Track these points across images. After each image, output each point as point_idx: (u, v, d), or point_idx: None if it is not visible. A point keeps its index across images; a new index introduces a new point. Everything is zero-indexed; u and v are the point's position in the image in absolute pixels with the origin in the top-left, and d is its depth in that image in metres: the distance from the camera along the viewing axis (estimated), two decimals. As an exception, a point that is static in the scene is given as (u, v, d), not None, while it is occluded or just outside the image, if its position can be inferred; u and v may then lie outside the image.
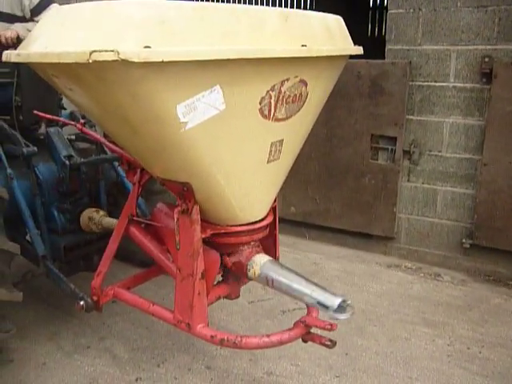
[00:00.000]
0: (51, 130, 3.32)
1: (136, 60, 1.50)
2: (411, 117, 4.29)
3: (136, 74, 1.58)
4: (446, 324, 3.47)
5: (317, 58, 2.08)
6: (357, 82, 4.39)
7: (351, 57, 2.42)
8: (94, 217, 3.18)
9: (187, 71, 1.68)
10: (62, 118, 3.37)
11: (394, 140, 4.36)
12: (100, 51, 1.49)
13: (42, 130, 3.27)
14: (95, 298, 2.56)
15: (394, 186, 4.43)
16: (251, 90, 1.92)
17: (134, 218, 2.55)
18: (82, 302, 2.50)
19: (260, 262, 2.32)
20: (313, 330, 2.32)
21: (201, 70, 1.70)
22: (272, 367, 2.99)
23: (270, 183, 2.29)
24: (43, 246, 2.91)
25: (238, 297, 2.60)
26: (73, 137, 3.50)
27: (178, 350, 3.15)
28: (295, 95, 2.13)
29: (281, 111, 2.10)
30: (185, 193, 2.12)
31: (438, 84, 4.12)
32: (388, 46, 4.29)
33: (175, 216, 2.15)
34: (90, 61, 1.49)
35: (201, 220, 2.29)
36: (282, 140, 2.22)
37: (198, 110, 1.79)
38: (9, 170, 3.01)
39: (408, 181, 4.42)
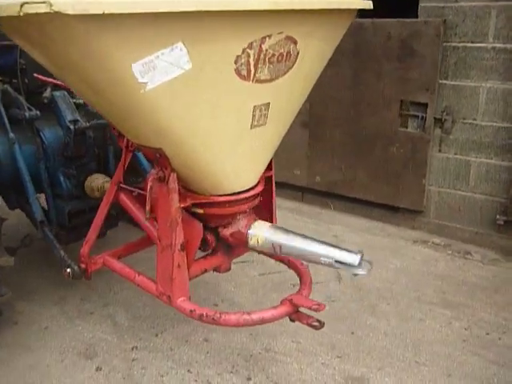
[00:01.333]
0: (57, 93, 3.24)
1: (71, 12, 1.35)
2: (444, 81, 3.94)
3: (78, 29, 1.44)
4: (466, 306, 3.22)
5: (306, 11, 1.86)
6: (386, 43, 4.06)
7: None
8: (97, 182, 3.11)
9: (141, 26, 1.52)
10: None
11: (424, 106, 4.03)
12: (31, 3, 1.35)
13: (47, 93, 3.21)
14: (83, 266, 2.51)
15: (423, 157, 4.13)
16: (223, 47, 1.73)
17: (122, 186, 2.45)
18: (68, 270, 2.46)
19: (262, 228, 2.18)
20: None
21: (157, 24, 1.53)
22: (271, 343, 2.88)
23: (256, 150, 2.12)
24: (41, 211, 2.87)
25: (228, 270, 2.48)
26: (81, 101, 3.43)
27: (178, 321, 3.08)
28: (281, 54, 1.93)
29: (263, 72, 1.91)
30: (159, 159, 1.99)
31: (475, 45, 3.75)
32: (421, 4, 3.92)
33: (148, 183, 2.02)
34: (21, 13, 1.36)
35: (184, 189, 2.17)
36: (268, 104, 2.03)
37: (158, 70, 1.63)
38: (11, 135, 2.97)
39: (439, 151, 4.10)
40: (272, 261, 3.77)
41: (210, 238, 2.25)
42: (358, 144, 4.46)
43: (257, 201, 2.29)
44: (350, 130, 4.48)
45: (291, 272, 3.62)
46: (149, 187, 2.00)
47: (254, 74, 1.88)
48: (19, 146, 2.99)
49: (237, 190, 2.18)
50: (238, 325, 2.11)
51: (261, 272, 3.67)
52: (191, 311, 2.15)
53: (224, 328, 3.00)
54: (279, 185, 5.26)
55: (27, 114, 2.96)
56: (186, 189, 2.20)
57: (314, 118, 4.69)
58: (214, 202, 2.15)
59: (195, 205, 2.18)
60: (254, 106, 1.97)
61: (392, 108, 4.18)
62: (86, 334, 2.98)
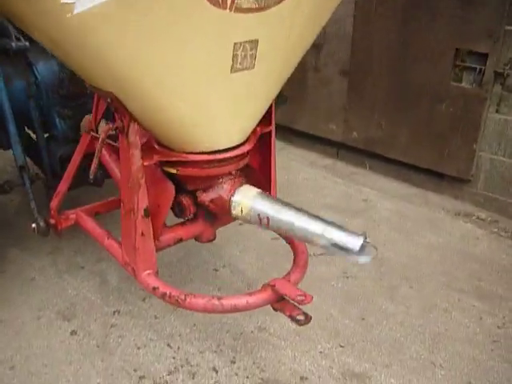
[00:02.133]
0: (53, 23, 2.88)
1: None
2: (511, 28, 3.27)
3: None
4: (504, 299, 2.74)
5: None
6: (444, -23, 3.40)
7: None
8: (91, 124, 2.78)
9: None
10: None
11: (484, 57, 3.39)
12: None
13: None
14: (52, 221, 2.22)
15: (477, 117, 3.52)
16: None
17: (92, 134, 2.10)
18: (33, 225, 2.17)
19: (248, 195, 1.79)
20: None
21: None
22: (267, 321, 2.54)
23: (240, 100, 1.69)
24: (22, 155, 2.59)
25: (212, 240, 2.12)
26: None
27: (173, 284, 2.78)
28: (273, -28, 1.46)
29: (247, -2, 1.45)
30: (115, 106, 1.61)
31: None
32: None
33: (101, 135, 1.65)
34: None
35: (158, 145, 1.79)
36: (256, 41, 1.58)
37: (85, -15, 1.22)
38: (-5, 67, 2.67)
39: (497, 111, 3.48)
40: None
41: (186, 202, 1.89)
42: (402, 98, 3.88)
43: (244, 161, 1.89)
44: (394, 81, 3.90)
45: (307, 239, 3.25)
46: (100, 139, 1.63)
47: (233, 0, 1.43)
48: (6, 80, 2.69)
49: (216, 148, 1.78)
50: (205, 311, 1.78)
51: (274, 236, 3.29)
52: (154, 288, 1.82)
53: (219, 298, 2.70)
54: (313, 139, 4.83)
55: (14, 44, 2.63)
56: (160, 144, 1.82)
57: (355, 66, 4.13)
58: (188, 160, 1.77)
59: (168, 163, 1.81)
60: (236, 44, 1.53)
61: (445, 57, 3.55)
62: (71, 291, 2.75)
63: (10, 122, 2.61)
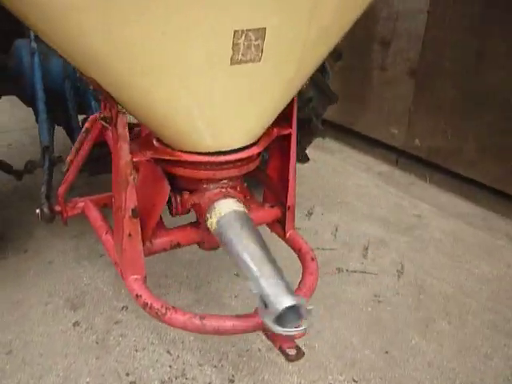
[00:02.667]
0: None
1: None
2: None
3: None
4: (561, 351, 2.33)
5: None
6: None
7: None
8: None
9: None
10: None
11: None
12: None
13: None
14: (58, 209, 2.11)
15: (558, 135, 3.07)
16: None
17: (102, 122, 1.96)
18: (37, 210, 2.07)
19: (223, 210, 1.59)
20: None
21: None
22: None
23: (242, 97, 1.47)
24: (48, 135, 2.51)
25: (216, 248, 1.92)
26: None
27: (187, 285, 2.64)
28: None
29: (248, -24, 1.23)
30: (102, 94, 1.44)
31: None
32: None
33: (86, 124, 1.50)
34: None
35: (157, 141, 1.62)
36: (263, 30, 1.35)
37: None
38: (33, 44, 2.62)
39: None
40: (328, 233, 3.16)
41: (174, 200, 1.71)
42: (472, 106, 3.47)
43: (243, 169, 1.67)
44: (465, 86, 3.49)
45: (343, 253, 2.98)
46: (84, 128, 1.48)
47: (230, -21, 1.21)
48: (43, 57, 2.64)
49: (217, 149, 1.57)
50: (185, 329, 1.58)
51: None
52: (137, 296, 1.65)
53: (234, 308, 2.51)
54: (372, 143, 4.48)
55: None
56: (160, 140, 1.65)
57: (423, 66, 3.75)
58: (178, 160, 1.57)
59: (163, 161, 1.63)
60: (236, 32, 1.31)
61: (527, 63, 3.11)
62: (85, 279, 2.67)
63: (40, 100, 2.55)
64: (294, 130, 1.82)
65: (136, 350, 2.23)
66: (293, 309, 1.35)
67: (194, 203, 1.68)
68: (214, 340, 2.29)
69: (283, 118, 1.81)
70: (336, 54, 2.98)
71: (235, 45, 1.33)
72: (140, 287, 1.67)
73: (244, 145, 1.60)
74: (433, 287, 2.72)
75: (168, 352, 2.23)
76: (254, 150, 1.63)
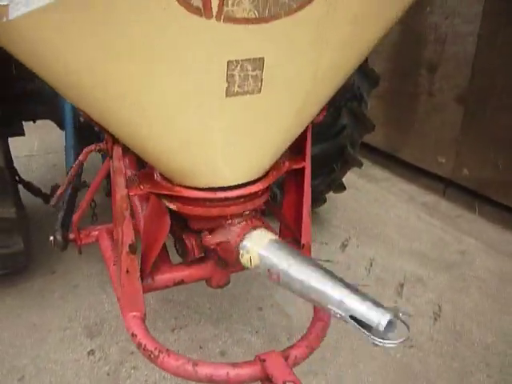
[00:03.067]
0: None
1: None
2: None
3: None
4: None
5: None
6: None
7: None
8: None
9: None
10: None
11: None
12: None
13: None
14: (72, 236, 2.09)
15: None
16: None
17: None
18: (51, 237, 2.06)
19: (259, 242, 1.48)
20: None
21: None
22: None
23: (243, 130, 1.38)
24: (73, 161, 2.52)
25: (224, 285, 1.82)
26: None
27: (207, 318, 2.55)
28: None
29: (241, 4, 1.15)
30: (96, 126, 1.40)
31: None
32: None
33: (80, 157, 1.45)
34: None
35: (158, 174, 1.56)
36: (261, 60, 1.26)
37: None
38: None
39: None
40: (362, 268, 2.99)
41: (190, 243, 1.63)
42: (526, 135, 3.22)
43: (258, 201, 1.57)
44: (518, 114, 3.25)
45: (380, 289, 2.79)
46: (77, 161, 1.43)
47: (221, 8, 1.14)
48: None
49: (219, 185, 1.48)
50: (177, 374, 1.49)
51: (318, 258, 2.88)
52: (133, 335, 1.58)
53: (254, 345, 2.40)
54: (417, 172, 4.24)
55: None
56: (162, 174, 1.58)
57: (474, 93, 3.53)
58: (182, 196, 1.50)
59: (168, 197, 1.56)
60: (229, 62, 1.23)
61: None
62: (107, 306, 2.65)
63: (68, 124, 2.58)
64: (307, 164, 1.71)
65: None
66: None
67: (219, 242, 1.57)
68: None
69: (296, 151, 1.71)
70: (373, 80, 2.85)
71: (230, 76, 1.25)
72: (136, 325, 1.60)
73: (249, 179, 1.51)
74: (472, 334, 2.49)
75: (179, 389, 2.15)
76: (261, 185, 1.52)
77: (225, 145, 1.39)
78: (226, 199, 1.50)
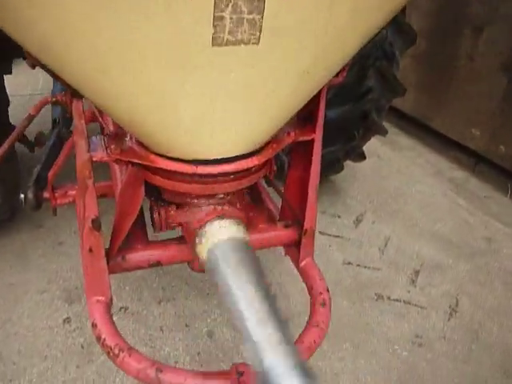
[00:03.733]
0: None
1: None
2: None
3: None
4: None
5: None
6: None
7: None
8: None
9: None
10: None
11: None
12: None
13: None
14: (46, 195, 1.84)
15: None
16: None
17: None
18: (21, 195, 1.80)
19: (214, 237, 1.21)
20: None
21: None
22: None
23: (234, 90, 1.07)
24: (59, 108, 2.24)
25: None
26: None
27: (200, 292, 2.32)
28: None
29: None
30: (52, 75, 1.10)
31: None
32: None
33: (31, 111, 1.17)
34: None
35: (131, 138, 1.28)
36: (261, 1, 0.94)
37: None
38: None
39: None
40: (375, 248, 2.71)
41: (157, 215, 1.36)
42: None
43: (243, 182, 1.28)
44: None
45: (389, 274, 2.53)
46: (27, 115, 1.15)
47: None
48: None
49: (199, 157, 1.19)
50: (137, 378, 1.25)
51: (349, 260, 2.62)
52: (93, 324, 1.34)
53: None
54: (448, 143, 3.85)
55: None
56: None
57: (521, 60, 3.11)
58: (154, 166, 1.22)
59: (140, 165, 1.28)
60: (216, 1, 0.91)
61: None
62: (91, 268, 2.42)
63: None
64: (318, 136, 1.40)
65: (122, 364, 1.95)
66: None
67: (182, 222, 1.33)
68: (212, 367, 1.97)
69: (306, 118, 1.40)
70: (409, 37, 2.47)
71: (217, 19, 0.94)
72: (98, 313, 1.35)
73: (240, 153, 1.21)
74: (491, 335, 2.22)
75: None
76: (253, 161, 1.23)
77: (209, 108, 1.09)
78: (217, 175, 1.21)
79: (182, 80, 1.02)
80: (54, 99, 1.13)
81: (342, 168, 3.00)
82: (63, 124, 2.25)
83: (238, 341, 2.08)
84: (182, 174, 1.19)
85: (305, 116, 1.41)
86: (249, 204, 1.42)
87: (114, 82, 1.00)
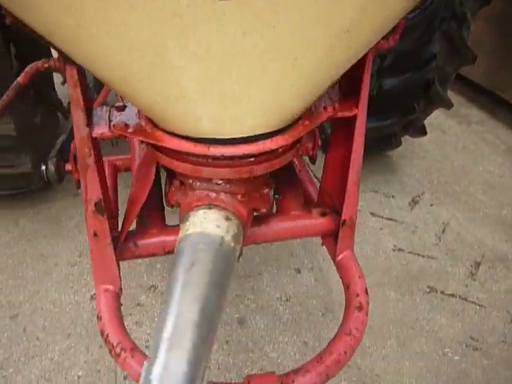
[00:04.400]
0: None
1: None
2: None
3: None
4: None
5: None
6: None
7: None
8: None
9: None
10: None
11: None
12: None
13: None
14: (68, 168, 1.71)
15: None
16: None
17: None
18: (42, 167, 1.68)
19: (194, 225, 1.03)
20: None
21: None
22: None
23: (249, 55, 0.86)
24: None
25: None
26: None
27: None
28: None
29: None
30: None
31: None
32: None
33: (22, 75, 1.01)
34: None
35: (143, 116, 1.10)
36: None
37: None
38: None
39: None
40: (432, 234, 2.45)
41: (166, 189, 1.20)
42: None
43: (257, 169, 1.07)
44: None
45: (449, 266, 2.26)
46: (15, 83, 0.99)
47: None
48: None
49: (209, 135, 1.00)
50: (137, 382, 1.11)
51: (400, 246, 2.38)
52: (98, 317, 1.21)
53: (282, 315, 2.01)
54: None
55: None
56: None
57: None
58: (161, 145, 1.04)
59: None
60: None
61: None
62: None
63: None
64: (361, 112, 1.17)
65: (146, 347, 1.85)
66: None
67: (178, 200, 1.17)
68: (240, 358, 1.83)
69: (350, 91, 1.17)
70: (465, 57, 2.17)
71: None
72: (105, 303, 1.23)
73: (260, 132, 1.01)
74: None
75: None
76: (276, 142, 1.02)
77: (217, 75, 0.89)
78: (222, 158, 1.02)
79: (179, 37, 0.82)
80: (46, 65, 0.97)
81: (399, 143, 2.73)
82: (94, 90, 2.12)
83: (270, 330, 1.93)
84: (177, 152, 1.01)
85: (347, 88, 1.18)
86: (265, 195, 1.21)
87: (98, 40, 0.81)
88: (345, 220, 1.32)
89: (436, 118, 3.24)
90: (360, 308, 1.23)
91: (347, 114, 1.16)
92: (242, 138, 0.99)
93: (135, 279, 2.12)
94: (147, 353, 1.76)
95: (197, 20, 0.79)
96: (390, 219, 2.54)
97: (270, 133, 1.02)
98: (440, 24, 2.10)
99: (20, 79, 0.98)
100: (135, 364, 1.10)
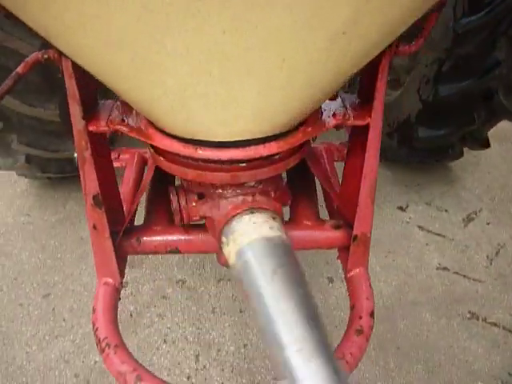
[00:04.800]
0: None
1: None
2: None
3: None
4: None
5: None
6: None
7: None
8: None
9: None
10: None
11: None
12: None
13: None
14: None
15: None
16: None
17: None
18: (75, 154, 1.71)
19: (244, 237, 0.98)
20: None
21: None
22: None
23: (249, 48, 0.80)
24: None
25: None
26: None
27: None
28: None
29: None
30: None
31: None
32: None
33: (19, 68, 1.02)
34: None
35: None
36: None
37: None
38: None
39: None
40: (483, 255, 2.27)
41: (175, 202, 1.15)
42: None
43: (274, 169, 1.02)
44: None
45: (497, 291, 2.08)
46: (14, 73, 1.00)
47: None
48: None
49: (214, 138, 0.96)
50: (116, 379, 1.10)
51: (446, 265, 2.23)
52: (93, 309, 1.22)
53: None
54: None
55: None
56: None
57: None
58: (159, 147, 1.01)
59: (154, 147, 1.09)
60: None
61: None
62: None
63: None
64: (375, 121, 1.07)
65: (164, 341, 1.86)
66: None
67: (204, 215, 1.12)
68: (256, 364, 1.79)
69: (365, 98, 1.09)
70: None
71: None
72: (102, 297, 1.23)
73: (248, 137, 0.95)
74: None
75: (197, 357, 1.80)
76: (269, 149, 0.96)
77: (198, 75, 0.84)
78: (210, 161, 0.98)
79: (154, 33, 0.78)
80: (45, 56, 0.97)
81: (459, 155, 2.55)
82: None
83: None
84: (191, 158, 0.97)
85: (363, 95, 1.10)
86: (285, 191, 1.15)
87: (77, 35, 0.80)
88: (356, 235, 1.23)
89: (506, 128, 3.00)
90: (360, 332, 1.14)
91: (359, 122, 1.08)
92: (231, 141, 0.94)
93: (165, 272, 2.14)
94: (147, 351, 1.78)
95: (171, 16, 0.75)
96: (439, 235, 2.38)
97: (262, 138, 0.96)
98: (506, 29, 1.92)
99: (19, 69, 0.99)
100: (116, 360, 1.09)
